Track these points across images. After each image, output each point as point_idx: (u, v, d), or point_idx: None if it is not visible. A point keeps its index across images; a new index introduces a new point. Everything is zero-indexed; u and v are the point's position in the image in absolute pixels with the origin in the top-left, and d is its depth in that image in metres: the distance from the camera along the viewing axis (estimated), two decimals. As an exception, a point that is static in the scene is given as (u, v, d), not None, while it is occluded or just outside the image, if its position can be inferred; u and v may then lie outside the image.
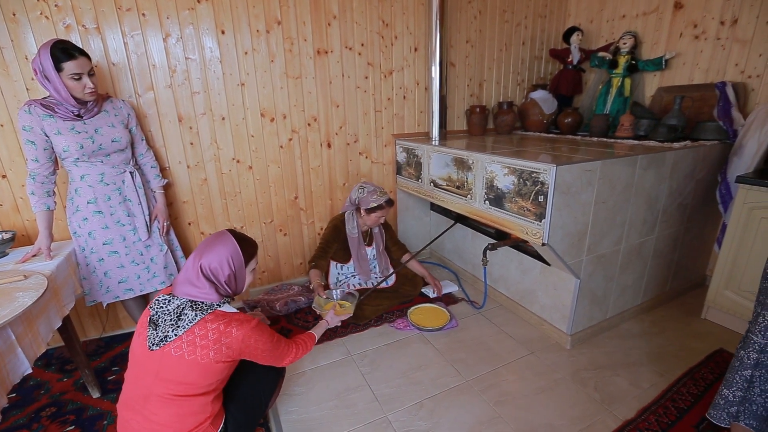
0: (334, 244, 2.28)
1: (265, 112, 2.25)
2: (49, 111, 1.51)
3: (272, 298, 2.34)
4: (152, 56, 1.93)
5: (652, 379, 1.69)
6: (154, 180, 1.88)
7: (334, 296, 1.94)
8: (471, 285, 2.58)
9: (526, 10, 2.90)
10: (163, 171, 2.05)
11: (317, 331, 1.53)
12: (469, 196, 2.00)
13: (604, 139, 2.37)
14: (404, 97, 2.64)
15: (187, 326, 1.08)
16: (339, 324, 1.73)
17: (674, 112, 2.21)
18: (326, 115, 2.42)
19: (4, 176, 1.80)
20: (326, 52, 2.31)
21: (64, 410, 1.63)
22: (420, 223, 2.96)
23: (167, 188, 2.08)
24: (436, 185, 2.27)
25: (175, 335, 1.08)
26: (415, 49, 2.57)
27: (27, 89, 1.74)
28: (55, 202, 1.63)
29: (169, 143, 2.07)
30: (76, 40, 1.76)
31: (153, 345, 1.08)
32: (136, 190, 1.75)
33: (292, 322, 2.20)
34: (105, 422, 1.56)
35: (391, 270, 2.43)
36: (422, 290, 2.43)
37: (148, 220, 1.80)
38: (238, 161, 2.25)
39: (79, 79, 1.49)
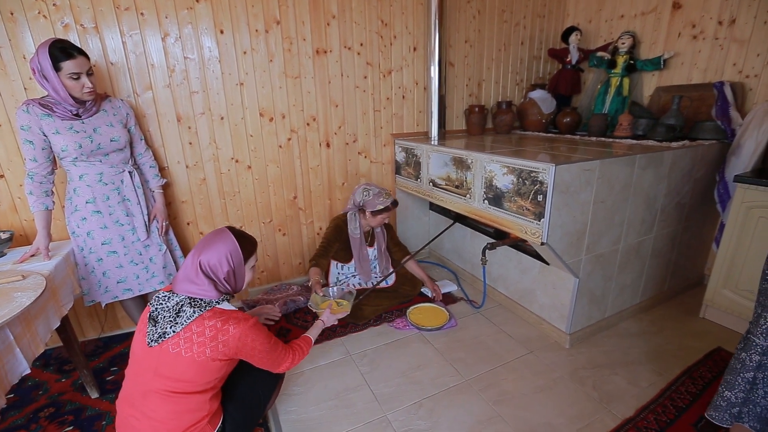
0: (335, 244, 2.28)
1: (264, 112, 2.25)
2: (47, 110, 1.51)
3: (271, 298, 2.34)
4: (151, 56, 1.93)
5: (651, 378, 1.70)
6: (153, 180, 1.87)
7: (331, 294, 1.90)
8: (470, 284, 2.58)
9: (524, 10, 2.91)
10: (162, 171, 2.05)
11: (313, 333, 1.51)
12: (468, 195, 2.00)
13: (603, 139, 2.38)
14: (403, 96, 2.64)
15: (185, 323, 1.09)
16: (335, 323, 1.70)
17: (672, 112, 2.21)
18: (325, 114, 2.41)
19: (1, 176, 1.80)
20: (325, 52, 2.31)
21: (62, 411, 1.63)
22: (419, 223, 2.96)
23: (166, 188, 2.08)
24: (435, 185, 2.28)
25: (173, 332, 1.08)
26: (414, 49, 2.58)
27: (25, 89, 1.74)
28: (53, 201, 1.63)
29: (168, 143, 2.07)
30: (74, 39, 1.76)
31: (152, 341, 1.09)
32: (135, 190, 1.75)
33: (291, 321, 2.20)
34: (104, 422, 1.56)
35: (390, 269, 2.43)
36: (422, 290, 2.43)
37: (146, 219, 1.79)
38: (236, 161, 2.25)
39: (78, 78, 1.48)
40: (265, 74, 2.19)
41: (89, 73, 1.52)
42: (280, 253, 2.53)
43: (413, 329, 2.09)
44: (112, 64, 1.87)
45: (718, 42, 2.23)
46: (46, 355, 2.00)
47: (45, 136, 1.53)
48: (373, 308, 2.20)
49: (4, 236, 1.63)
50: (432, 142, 2.41)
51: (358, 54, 2.41)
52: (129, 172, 1.73)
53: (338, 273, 2.36)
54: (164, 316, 1.10)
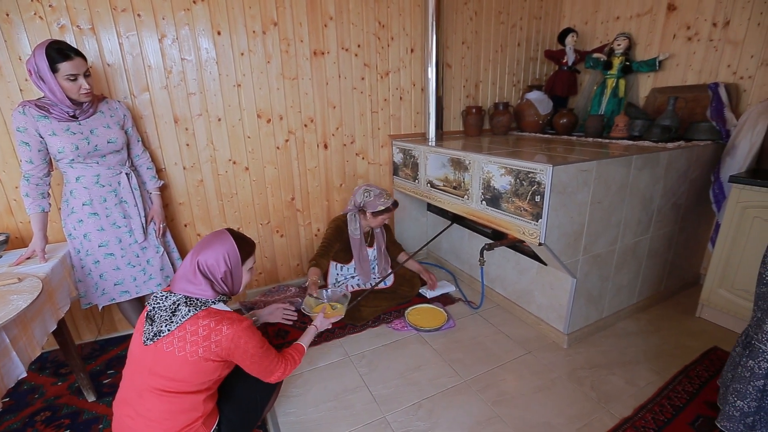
0: (336, 244, 2.28)
1: (262, 113, 2.24)
2: (43, 112, 1.50)
3: (269, 300, 2.34)
4: (148, 57, 1.92)
5: (648, 378, 1.70)
6: (150, 181, 1.86)
7: (325, 296, 1.82)
8: (468, 285, 2.58)
9: (521, 12, 2.92)
10: (159, 172, 2.04)
11: (305, 341, 1.45)
12: (466, 196, 2.00)
13: (599, 140, 2.39)
14: (401, 98, 2.64)
15: (179, 321, 1.09)
16: (329, 327, 1.62)
17: (668, 113, 2.23)
18: (323, 116, 2.41)
19: (-3, 178, 1.79)
20: (323, 54, 2.31)
21: (58, 414, 1.62)
22: (417, 224, 2.97)
23: (163, 189, 2.07)
24: (432, 186, 2.28)
25: (168, 330, 1.09)
26: (412, 51, 2.58)
27: (21, 90, 1.73)
28: (49, 203, 1.62)
29: (165, 144, 2.06)
30: (70, 40, 1.75)
31: (147, 340, 1.09)
32: (132, 192, 1.74)
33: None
34: (100, 426, 1.55)
35: (389, 271, 2.43)
36: (420, 291, 2.43)
37: (144, 221, 1.79)
38: (234, 162, 2.25)
39: (75, 80, 1.48)
40: (262, 75, 2.19)
41: (86, 75, 1.51)
42: (277, 254, 2.53)
43: (411, 330, 2.09)
44: (108, 65, 1.86)
45: (713, 43, 2.25)
46: (42, 358, 1.98)
47: (41, 137, 1.52)
48: (372, 309, 2.20)
49: (-1, 239, 1.62)
50: (430, 143, 2.42)
51: (356, 55, 2.41)
52: (126, 173, 1.72)
53: (337, 274, 2.35)
54: (161, 315, 1.11)
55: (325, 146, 2.48)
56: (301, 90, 2.31)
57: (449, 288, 2.49)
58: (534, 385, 1.69)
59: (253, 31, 2.10)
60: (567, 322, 1.88)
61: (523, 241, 1.87)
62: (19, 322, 1.23)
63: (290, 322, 1.65)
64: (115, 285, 1.77)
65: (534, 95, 2.85)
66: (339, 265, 2.34)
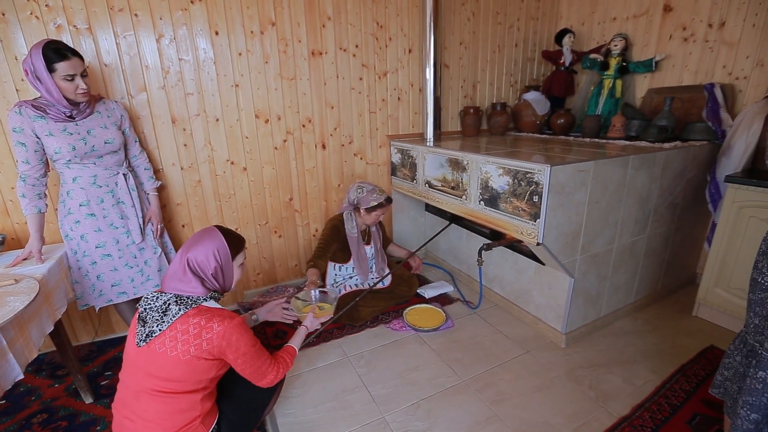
0: (333, 244, 2.28)
1: (260, 114, 2.24)
2: (40, 112, 1.49)
3: (267, 301, 2.33)
4: (145, 57, 1.92)
5: (646, 376, 1.71)
6: (148, 182, 1.86)
7: (313, 297, 1.79)
8: (466, 285, 2.59)
9: (518, 12, 2.93)
10: (157, 173, 2.03)
11: (296, 342, 1.43)
12: (464, 196, 2.01)
13: (596, 140, 2.40)
14: (399, 98, 2.65)
15: (170, 321, 1.09)
16: (319, 327, 1.60)
17: (664, 113, 2.24)
18: (321, 116, 2.41)
19: (-7, 179, 1.77)
20: (321, 54, 2.31)
21: (55, 416, 1.61)
22: (415, 224, 2.97)
23: (161, 190, 2.06)
24: (431, 186, 2.28)
25: (160, 330, 1.08)
26: (410, 51, 2.59)
27: (17, 90, 1.72)
28: (46, 204, 1.61)
29: (163, 145, 2.05)
30: (67, 40, 1.74)
31: (140, 341, 1.09)
32: (130, 193, 1.73)
33: (288, 323, 2.18)
34: (98, 428, 1.54)
35: (387, 270, 2.43)
36: (418, 290, 2.43)
37: (141, 222, 1.78)
38: (232, 163, 2.24)
39: (72, 80, 1.47)
40: (260, 76, 2.18)
41: (83, 75, 1.50)
42: (276, 255, 2.53)
43: (410, 330, 2.09)
44: (105, 65, 1.85)
45: (708, 44, 2.27)
46: (38, 360, 1.97)
47: (38, 138, 1.51)
48: (370, 309, 2.20)
49: (-5, 240, 1.61)
50: (428, 144, 2.42)
51: (354, 56, 2.41)
52: (123, 174, 1.71)
53: (335, 274, 2.35)
54: (152, 316, 1.10)
55: (323, 146, 2.48)
56: (299, 90, 2.31)
57: (447, 288, 2.49)
58: (532, 384, 1.69)
59: (251, 32, 2.10)
60: (565, 321, 1.89)
61: (521, 241, 1.88)
62: (16, 323, 1.22)
63: (290, 321, 1.62)
64: (112, 286, 1.76)
65: (531, 96, 2.86)
66: (337, 265, 2.34)
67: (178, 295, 1.14)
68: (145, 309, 1.13)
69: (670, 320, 2.13)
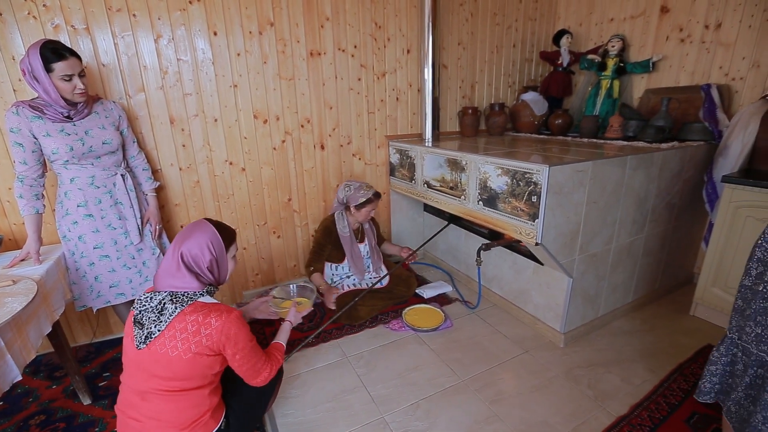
0: (327, 246, 2.28)
1: (258, 114, 2.24)
2: (37, 112, 1.49)
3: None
4: (143, 57, 1.91)
5: (644, 376, 1.72)
6: (146, 182, 1.85)
7: (291, 292, 1.80)
8: (465, 285, 2.59)
9: (516, 13, 2.94)
10: (155, 173, 2.02)
11: (283, 338, 1.43)
12: (462, 196, 2.01)
13: (594, 140, 2.41)
14: (397, 98, 2.65)
15: (167, 320, 1.07)
16: (301, 321, 1.60)
17: (661, 114, 2.26)
18: (319, 116, 2.41)
19: (-10, 179, 1.77)
20: (319, 54, 2.31)
21: (53, 418, 1.60)
22: (413, 224, 2.97)
23: (159, 191, 2.05)
24: (429, 186, 2.29)
25: (158, 330, 1.07)
26: (408, 51, 2.59)
27: (14, 90, 1.71)
28: (44, 205, 1.60)
29: (161, 145, 2.05)
30: (65, 40, 1.73)
31: (140, 344, 1.07)
32: (128, 193, 1.73)
33: (286, 324, 2.18)
34: (96, 429, 1.53)
35: (384, 268, 2.44)
36: (417, 291, 2.44)
37: (139, 223, 1.77)
38: (230, 163, 2.24)
39: (70, 80, 1.46)
40: (259, 76, 2.18)
41: (81, 75, 1.50)
42: (274, 255, 2.52)
43: (409, 330, 2.09)
44: (103, 65, 1.84)
45: (705, 45, 2.28)
46: (36, 361, 1.96)
47: (35, 138, 1.51)
48: (368, 309, 2.20)
49: (-8, 241, 1.60)
50: (426, 144, 2.43)
51: (352, 56, 2.41)
52: (121, 175, 1.71)
53: (333, 274, 2.36)
54: (148, 317, 1.09)
55: (322, 147, 2.48)
56: (298, 91, 2.31)
57: (446, 288, 2.50)
58: (531, 384, 1.70)
59: (250, 32, 2.10)
60: (563, 321, 1.90)
61: (520, 241, 1.88)
62: (14, 324, 1.21)
63: (275, 318, 1.63)
64: (110, 287, 1.76)
65: (529, 96, 2.87)
66: (333, 265, 2.34)
67: (172, 292, 1.12)
68: (140, 311, 1.11)
69: (668, 320, 2.14)
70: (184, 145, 2.10)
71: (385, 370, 1.80)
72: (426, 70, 2.54)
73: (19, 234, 1.85)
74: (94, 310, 1.79)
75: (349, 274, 2.37)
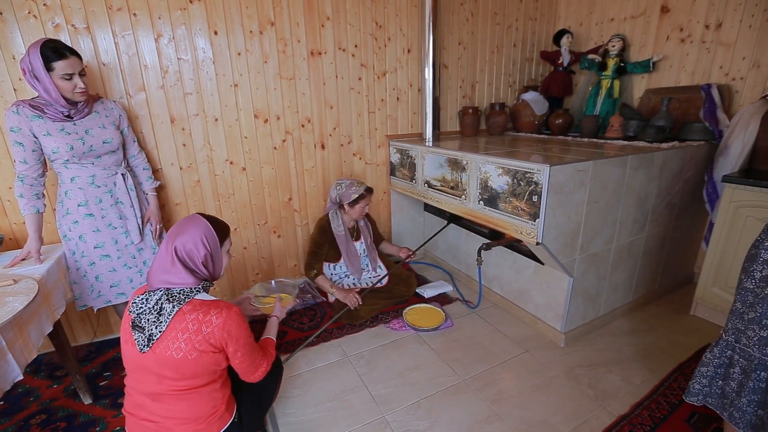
0: (324, 245, 2.29)
1: (259, 114, 2.24)
2: (38, 112, 1.48)
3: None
4: (144, 57, 1.91)
5: (644, 375, 1.72)
6: (147, 182, 1.85)
7: (272, 288, 1.85)
8: (465, 285, 2.59)
9: (517, 13, 2.94)
10: (156, 173, 2.02)
11: (272, 333, 1.45)
12: (463, 196, 2.01)
13: (595, 140, 2.41)
14: (398, 98, 2.65)
15: (166, 321, 1.06)
16: (285, 315, 1.64)
17: (662, 114, 2.26)
18: (320, 116, 2.41)
19: (-10, 179, 1.76)
20: (320, 54, 2.31)
21: (54, 417, 1.60)
22: (414, 224, 2.97)
23: (159, 190, 2.05)
24: (430, 186, 2.29)
25: (159, 332, 1.06)
26: (408, 51, 2.59)
27: (14, 90, 1.71)
28: (44, 204, 1.60)
29: (162, 144, 2.05)
30: (65, 39, 1.73)
31: (143, 347, 1.06)
32: (128, 193, 1.72)
33: (287, 324, 2.18)
34: (97, 429, 1.53)
35: (382, 266, 2.44)
36: (417, 290, 2.44)
37: (140, 222, 1.77)
38: (231, 163, 2.24)
39: (70, 78, 1.46)
40: (259, 76, 2.18)
41: (81, 74, 1.50)
42: (275, 255, 2.52)
43: (409, 330, 2.09)
44: (104, 64, 1.84)
45: (705, 45, 2.28)
46: (36, 360, 1.95)
47: (35, 137, 1.50)
48: (369, 308, 2.20)
49: (-7, 240, 1.60)
50: (427, 144, 2.43)
51: (353, 56, 2.41)
52: (122, 174, 1.71)
53: (331, 274, 2.36)
54: (147, 319, 1.07)
55: (323, 146, 2.48)
56: (299, 90, 2.31)
57: (447, 288, 2.50)
58: (532, 383, 1.70)
59: (250, 31, 2.10)
60: (564, 320, 1.90)
61: (521, 241, 1.88)
62: (15, 324, 1.21)
63: (258, 313, 1.66)
64: (111, 287, 1.76)
65: (530, 96, 2.87)
66: (331, 264, 2.35)
67: (168, 290, 1.09)
68: (138, 315, 1.08)
69: (668, 319, 2.14)
70: (184, 145, 2.10)
71: (386, 370, 1.80)
72: (426, 69, 2.54)
73: (19, 233, 1.85)
74: (95, 310, 1.78)
75: (348, 274, 2.37)
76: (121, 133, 1.72)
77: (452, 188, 2.09)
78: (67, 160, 1.57)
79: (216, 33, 2.02)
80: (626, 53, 2.67)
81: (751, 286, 1.08)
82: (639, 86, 2.65)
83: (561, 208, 1.63)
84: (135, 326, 1.08)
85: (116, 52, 1.85)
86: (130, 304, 1.11)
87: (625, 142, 2.22)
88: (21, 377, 1.20)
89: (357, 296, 2.14)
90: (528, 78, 3.19)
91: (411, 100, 2.70)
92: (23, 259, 1.55)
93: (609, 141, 2.33)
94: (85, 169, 1.62)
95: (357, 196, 2.19)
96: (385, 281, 2.40)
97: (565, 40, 2.84)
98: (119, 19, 1.82)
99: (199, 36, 1.99)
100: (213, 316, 1.08)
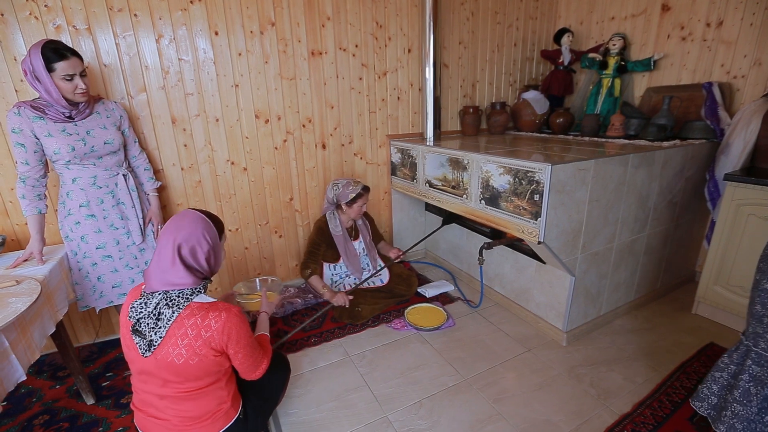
0: (322, 245, 2.29)
1: (260, 114, 2.24)
2: (39, 113, 1.49)
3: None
4: (145, 57, 1.91)
5: (646, 374, 1.72)
6: (148, 182, 1.85)
7: (256, 286, 1.88)
8: (467, 284, 2.59)
9: (517, 12, 2.94)
10: (157, 173, 2.02)
11: (265, 329, 1.45)
12: (464, 195, 2.01)
13: (596, 139, 2.41)
14: (398, 98, 2.65)
15: (165, 326, 1.05)
16: (274, 309, 1.66)
17: (663, 112, 2.25)
18: (321, 116, 2.41)
19: (-8, 180, 1.77)
20: (320, 54, 2.31)
21: (57, 418, 1.60)
22: (415, 224, 2.97)
23: (161, 191, 2.06)
24: (431, 185, 2.29)
25: (159, 338, 1.04)
26: (409, 51, 2.59)
27: (16, 91, 1.71)
28: (46, 205, 1.60)
29: (163, 145, 2.05)
30: (66, 40, 1.73)
31: (145, 351, 1.05)
32: (130, 193, 1.73)
33: (288, 323, 2.18)
34: (100, 429, 1.53)
35: (383, 265, 2.44)
36: (419, 290, 2.44)
37: (141, 223, 1.77)
38: (232, 163, 2.24)
39: (71, 79, 1.46)
40: (260, 76, 2.18)
41: (82, 75, 1.50)
42: (276, 255, 2.52)
43: (411, 329, 2.09)
44: (105, 65, 1.84)
45: (707, 43, 2.28)
46: (39, 361, 1.96)
47: (37, 138, 1.51)
48: (370, 308, 2.20)
49: (-5, 241, 1.60)
50: (428, 143, 2.42)
51: (354, 55, 2.41)
52: (123, 175, 1.71)
53: (332, 274, 2.36)
54: (146, 323, 1.05)
55: (323, 146, 2.48)
56: (299, 90, 2.31)
57: (448, 287, 2.50)
58: (534, 382, 1.70)
59: (251, 32, 2.10)
60: (566, 319, 1.90)
61: (522, 240, 1.88)
62: (18, 325, 1.22)
63: (244, 310, 1.67)
64: (113, 287, 1.76)
65: (530, 95, 2.86)
66: (331, 265, 2.35)
67: (167, 294, 1.07)
68: (137, 320, 1.06)
69: (670, 318, 2.14)
70: (185, 145, 2.10)
71: (388, 369, 1.81)
72: (427, 69, 2.54)
73: (21, 234, 1.85)
74: (97, 311, 1.79)
75: (348, 273, 2.37)
76: (123, 133, 1.73)
77: (453, 188, 2.09)
78: (69, 161, 1.57)
79: (217, 33, 2.03)
80: (627, 52, 2.66)
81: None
82: (640, 85, 2.65)
83: (562, 207, 1.63)
84: (135, 331, 1.07)
85: (117, 53, 1.85)
86: (129, 309, 1.08)
87: (626, 141, 2.22)
88: (24, 378, 1.21)
89: (345, 297, 2.15)
90: (529, 77, 3.19)
91: (412, 100, 2.70)
92: (25, 260, 1.55)
93: (610, 140, 2.33)
94: (87, 169, 1.62)
95: (354, 195, 2.19)
96: (385, 280, 2.40)
97: (565, 39, 2.84)
98: (120, 19, 1.82)
99: (199, 36, 1.99)
100: (212, 320, 1.07)
